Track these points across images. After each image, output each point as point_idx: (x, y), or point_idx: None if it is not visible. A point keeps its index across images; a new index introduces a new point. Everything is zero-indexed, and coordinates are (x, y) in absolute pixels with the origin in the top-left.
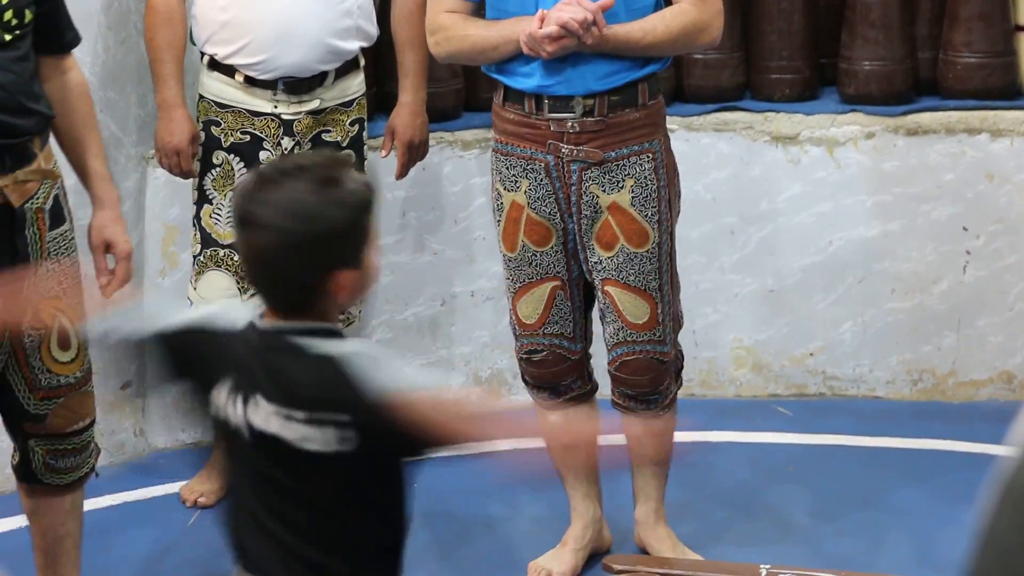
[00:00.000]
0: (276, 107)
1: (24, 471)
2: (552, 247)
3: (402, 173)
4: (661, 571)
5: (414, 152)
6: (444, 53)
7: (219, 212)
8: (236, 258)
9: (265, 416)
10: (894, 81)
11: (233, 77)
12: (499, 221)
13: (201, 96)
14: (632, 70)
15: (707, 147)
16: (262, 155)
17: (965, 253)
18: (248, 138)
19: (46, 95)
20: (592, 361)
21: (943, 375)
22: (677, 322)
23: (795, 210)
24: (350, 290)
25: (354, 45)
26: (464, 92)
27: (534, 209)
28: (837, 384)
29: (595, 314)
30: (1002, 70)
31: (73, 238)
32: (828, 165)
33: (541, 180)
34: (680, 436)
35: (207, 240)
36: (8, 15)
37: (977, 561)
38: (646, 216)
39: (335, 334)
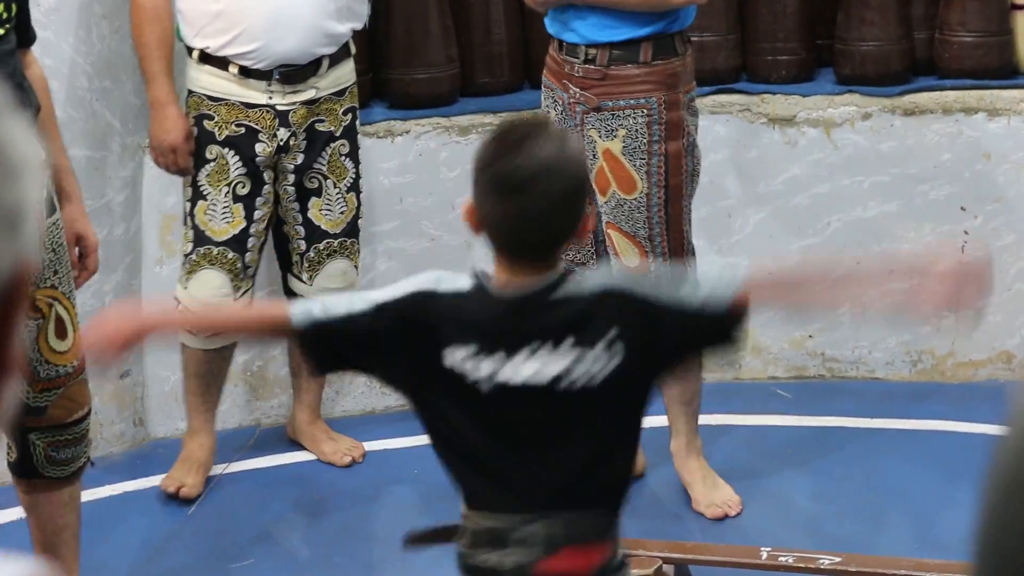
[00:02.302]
0: (271, 98)
1: (23, 467)
2: None
3: None
4: (661, 554)
5: None
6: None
7: (214, 208)
8: (230, 256)
9: (520, 367)
10: (890, 61)
11: (227, 69)
12: None
13: (191, 91)
14: (632, 28)
15: (704, 129)
16: (257, 147)
17: (963, 233)
18: (243, 130)
19: None
20: None
21: (942, 356)
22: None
23: (793, 192)
24: (589, 230)
25: (346, 27)
26: (460, 77)
27: None
28: (836, 366)
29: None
30: (998, 49)
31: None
32: (825, 146)
33: (561, 115)
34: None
35: (200, 238)
36: (0, 8)
37: (979, 546)
38: (635, 165)
39: (572, 273)
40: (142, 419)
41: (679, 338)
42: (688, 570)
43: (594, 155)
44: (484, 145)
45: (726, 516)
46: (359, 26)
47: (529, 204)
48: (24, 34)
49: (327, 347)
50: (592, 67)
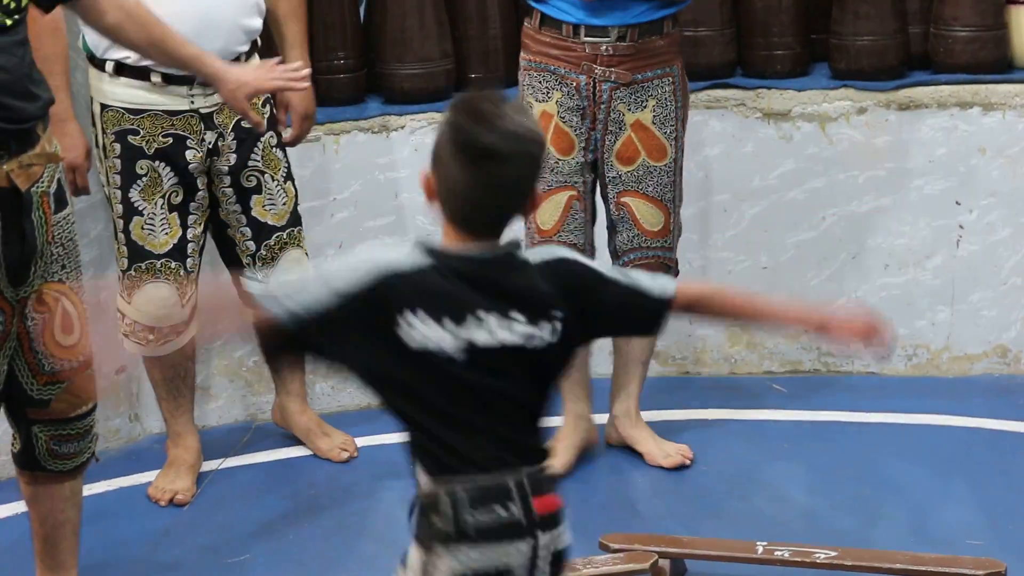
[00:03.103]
0: (193, 102)
1: (26, 458)
2: (573, 157)
3: (294, 143)
4: (657, 549)
5: (309, 123)
6: None
7: (152, 222)
8: (173, 265)
9: (491, 330)
10: (885, 56)
11: (148, 79)
12: None
13: (105, 106)
14: (661, 8)
15: (699, 124)
16: (188, 154)
17: (958, 227)
18: (171, 140)
19: (117, 25)
20: None
21: (937, 350)
22: (679, 230)
23: (788, 186)
24: (537, 205)
25: (258, 22)
26: (455, 72)
27: (563, 119)
28: (832, 360)
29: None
30: (993, 43)
31: (75, 222)
32: (820, 141)
33: (572, 95)
34: (674, 414)
35: (138, 253)
36: None
37: None
38: (665, 133)
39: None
40: (138, 415)
41: (613, 311)
42: (684, 564)
43: (621, 127)
44: (452, 115)
45: (683, 465)
46: (261, 20)
47: (501, 174)
48: None
49: (299, 338)
50: (624, 44)
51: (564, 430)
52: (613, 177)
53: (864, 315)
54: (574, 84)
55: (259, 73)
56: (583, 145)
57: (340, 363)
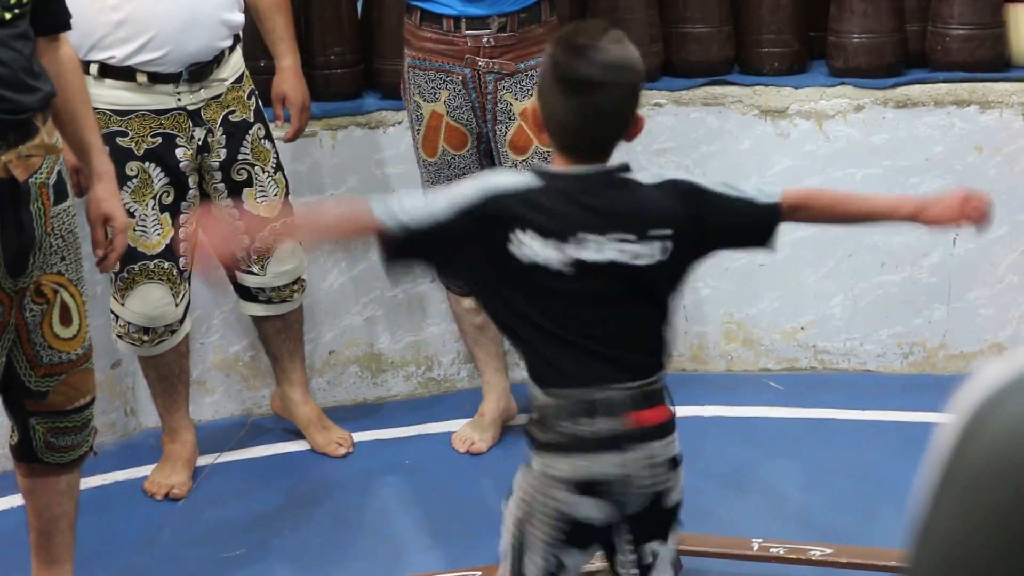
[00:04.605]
0: (179, 100)
1: (23, 450)
2: (468, 150)
3: (295, 137)
4: None
5: (307, 115)
6: None
7: (144, 223)
8: (166, 266)
9: (598, 247)
10: (883, 54)
11: (133, 79)
12: (418, 130)
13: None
14: None
15: (696, 121)
16: (178, 152)
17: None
18: (160, 140)
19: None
20: None
21: (933, 348)
22: None
23: (785, 184)
24: (640, 130)
25: (240, 16)
26: None
27: (453, 117)
28: (828, 358)
29: None
30: (991, 42)
31: (76, 214)
32: (817, 138)
33: (459, 91)
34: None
35: (131, 255)
36: None
37: (917, 553)
38: None
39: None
40: (133, 409)
41: (726, 224)
42: (679, 561)
43: (510, 118)
44: (552, 49)
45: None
46: (242, 14)
47: (598, 102)
48: (52, 19)
49: (408, 248)
50: (505, 34)
51: (487, 405)
52: (510, 168)
53: (956, 193)
54: (459, 78)
55: (121, 212)
56: (475, 138)
57: (450, 273)
